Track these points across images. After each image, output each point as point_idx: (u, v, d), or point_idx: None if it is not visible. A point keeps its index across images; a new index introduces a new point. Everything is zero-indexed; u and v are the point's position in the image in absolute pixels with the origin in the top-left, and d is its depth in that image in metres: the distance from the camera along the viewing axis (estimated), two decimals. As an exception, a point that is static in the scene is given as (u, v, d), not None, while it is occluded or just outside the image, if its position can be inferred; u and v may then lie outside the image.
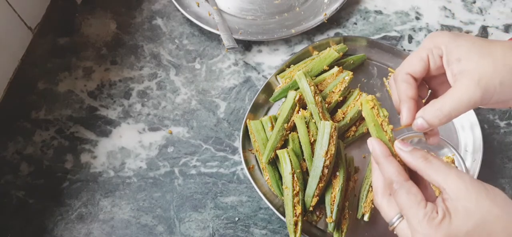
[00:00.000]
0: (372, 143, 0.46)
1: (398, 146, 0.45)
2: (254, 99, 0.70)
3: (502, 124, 0.71)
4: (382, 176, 0.46)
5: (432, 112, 0.44)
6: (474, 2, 0.82)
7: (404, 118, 0.46)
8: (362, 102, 0.50)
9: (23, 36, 0.75)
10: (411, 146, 0.45)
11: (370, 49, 0.75)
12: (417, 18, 0.81)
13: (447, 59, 0.45)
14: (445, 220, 0.39)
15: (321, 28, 0.80)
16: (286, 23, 0.79)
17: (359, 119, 0.68)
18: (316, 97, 0.64)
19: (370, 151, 0.47)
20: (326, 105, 0.66)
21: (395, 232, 0.45)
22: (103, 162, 0.69)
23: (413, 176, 0.45)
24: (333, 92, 0.68)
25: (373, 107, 0.50)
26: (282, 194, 0.63)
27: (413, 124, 0.46)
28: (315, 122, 0.63)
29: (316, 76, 0.71)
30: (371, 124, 0.49)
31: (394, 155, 0.46)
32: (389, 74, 0.73)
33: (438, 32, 0.47)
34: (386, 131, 0.48)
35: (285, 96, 0.68)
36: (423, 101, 0.50)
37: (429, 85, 0.50)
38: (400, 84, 0.47)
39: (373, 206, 0.63)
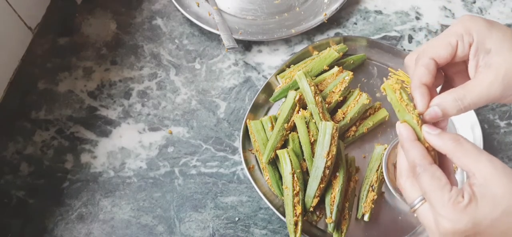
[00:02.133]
0: (399, 128, 0.45)
1: (425, 130, 0.43)
2: (254, 99, 0.70)
3: (502, 124, 0.71)
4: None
5: (451, 102, 0.42)
6: (474, 2, 0.82)
7: (419, 105, 0.44)
8: (385, 88, 0.47)
9: (23, 36, 0.75)
10: (439, 129, 0.43)
11: (370, 49, 0.75)
12: (417, 18, 0.81)
13: (476, 48, 0.43)
14: (471, 205, 0.38)
15: (321, 28, 0.80)
16: (286, 23, 0.79)
17: (359, 119, 0.68)
18: (316, 97, 0.64)
19: (398, 135, 0.45)
20: (326, 105, 0.66)
21: (415, 215, 0.44)
22: (103, 162, 0.69)
23: (440, 161, 0.44)
24: (333, 92, 0.68)
25: (396, 91, 0.47)
26: (282, 194, 0.63)
27: (426, 112, 0.44)
28: (315, 122, 0.63)
29: (316, 76, 0.71)
30: (397, 109, 0.46)
31: (423, 140, 0.44)
32: (390, 74, 0.73)
33: (471, 17, 0.44)
34: (412, 114, 0.44)
35: (285, 96, 0.68)
36: (438, 90, 0.48)
37: (445, 72, 0.48)
38: (419, 68, 0.44)
39: (373, 206, 0.63)
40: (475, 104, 0.42)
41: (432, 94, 0.45)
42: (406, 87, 0.47)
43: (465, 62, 0.46)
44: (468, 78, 0.46)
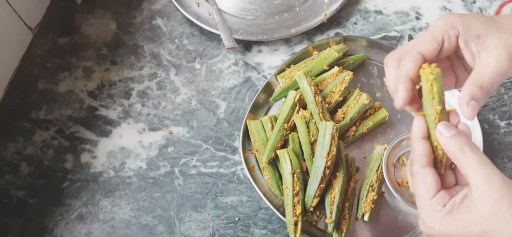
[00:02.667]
0: (414, 121, 0.44)
1: (439, 129, 0.42)
2: (254, 99, 0.70)
3: (502, 124, 0.71)
4: None
5: (477, 92, 0.42)
6: (474, 2, 0.82)
7: (399, 99, 0.43)
8: (421, 72, 0.44)
9: (23, 36, 0.75)
10: (454, 131, 0.41)
11: (370, 49, 0.75)
12: (417, 18, 0.81)
13: (465, 38, 0.43)
14: (450, 216, 0.39)
15: (321, 28, 0.80)
16: (286, 23, 0.79)
17: (359, 119, 0.68)
18: (316, 97, 0.64)
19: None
20: (326, 105, 0.66)
21: None
22: (103, 162, 0.69)
23: None
24: (333, 92, 0.68)
25: (429, 81, 0.43)
26: (282, 194, 0.63)
27: (463, 112, 0.42)
28: (315, 122, 0.63)
29: (316, 76, 0.71)
30: (424, 98, 0.44)
31: (434, 138, 0.43)
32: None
33: (450, 13, 0.46)
34: (435, 109, 0.43)
35: (285, 96, 0.68)
36: (417, 87, 0.46)
37: None
38: (407, 62, 0.43)
39: (373, 206, 0.63)
40: (492, 86, 0.42)
41: (414, 92, 0.45)
42: (439, 81, 0.44)
43: (450, 59, 0.47)
44: (454, 74, 0.48)
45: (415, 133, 0.44)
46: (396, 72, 0.44)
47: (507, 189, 0.38)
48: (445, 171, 0.44)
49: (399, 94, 0.43)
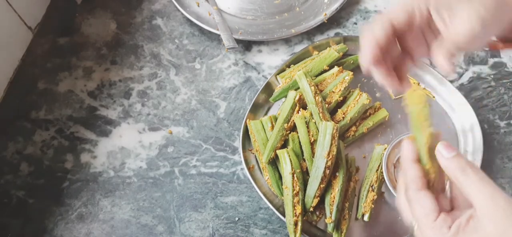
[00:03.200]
0: (404, 144, 0.45)
1: (439, 149, 0.42)
2: (254, 99, 0.70)
3: (502, 124, 0.71)
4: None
5: (453, 50, 0.43)
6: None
7: (363, 57, 0.45)
8: (408, 97, 0.46)
9: (23, 36, 0.75)
10: (455, 151, 0.42)
11: (370, 49, 0.75)
12: (417, 18, 0.81)
13: (436, 7, 0.44)
14: None
15: (321, 28, 0.80)
16: (286, 23, 0.79)
17: (359, 119, 0.68)
18: (316, 97, 0.64)
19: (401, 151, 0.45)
20: (326, 105, 0.66)
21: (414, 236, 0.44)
22: (103, 162, 0.69)
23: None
24: (333, 92, 0.68)
25: (418, 104, 0.45)
26: (282, 194, 0.63)
27: (443, 67, 0.44)
28: (315, 122, 0.63)
29: (316, 76, 0.71)
30: (413, 122, 0.45)
31: (426, 161, 0.44)
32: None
33: None
34: (425, 133, 0.43)
35: (285, 96, 0.68)
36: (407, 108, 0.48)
37: (403, 45, 0.49)
38: (376, 27, 0.45)
39: (373, 206, 0.63)
40: (465, 47, 0.43)
41: (387, 65, 0.46)
42: (429, 104, 0.46)
43: (423, 35, 0.48)
44: (426, 43, 0.48)
45: (406, 156, 0.44)
46: (367, 37, 0.46)
47: (510, 206, 0.38)
48: (437, 195, 0.43)
49: (363, 53, 0.45)
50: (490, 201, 0.38)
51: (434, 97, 0.71)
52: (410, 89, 0.46)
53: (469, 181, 0.40)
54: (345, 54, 0.74)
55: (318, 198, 0.60)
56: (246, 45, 0.78)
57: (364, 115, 0.69)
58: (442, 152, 0.42)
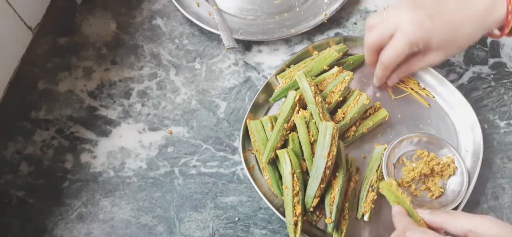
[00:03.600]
0: (394, 208, 0.54)
1: (420, 211, 0.52)
2: (254, 99, 0.70)
3: (502, 124, 0.71)
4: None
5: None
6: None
7: (367, 61, 0.68)
8: (383, 186, 0.55)
9: (23, 36, 0.75)
10: (429, 210, 0.52)
11: (370, 49, 0.75)
12: (417, 18, 0.81)
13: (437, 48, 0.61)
14: None
15: (321, 28, 0.80)
16: (286, 23, 0.79)
17: (359, 119, 0.68)
18: (316, 97, 0.64)
19: (392, 214, 0.54)
20: (326, 105, 0.66)
21: None
22: (103, 162, 0.69)
23: None
24: (333, 92, 0.68)
25: (392, 186, 0.55)
26: (282, 194, 0.63)
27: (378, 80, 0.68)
28: (315, 122, 0.63)
29: (316, 76, 0.71)
30: (392, 200, 0.55)
31: (415, 220, 0.53)
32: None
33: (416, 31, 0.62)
34: (406, 200, 0.54)
35: (285, 96, 0.68)
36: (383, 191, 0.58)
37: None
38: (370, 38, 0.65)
39: (373, 206, 0.63)
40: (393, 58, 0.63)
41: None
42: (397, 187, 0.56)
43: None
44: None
45: (399, 211, 0.53)
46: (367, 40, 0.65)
47: (499, 220, 0.46)
48: None
49: (367, 59, 0.68)
50: (485, 219, 0.46)
51: (434, 97, 0.71)
52: (384, 182, 0.56)
53: (457, 215, 0.48)
54: (345, 54, 0.74)
55: (318, 198, 0.60)
56: (246, 45, 0.78)
57: (364, 115, 0.69)
58: (424, 212, 0.52)
